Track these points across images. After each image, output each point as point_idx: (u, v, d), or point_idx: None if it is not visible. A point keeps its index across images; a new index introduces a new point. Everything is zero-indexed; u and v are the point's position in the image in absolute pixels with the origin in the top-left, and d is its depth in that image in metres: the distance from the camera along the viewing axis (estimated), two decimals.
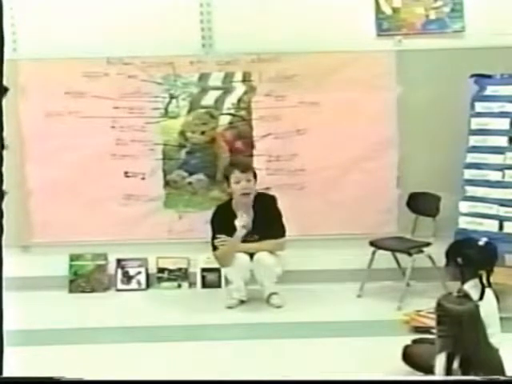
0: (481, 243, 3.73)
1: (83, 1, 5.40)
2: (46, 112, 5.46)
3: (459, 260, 3.56)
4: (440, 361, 3.23)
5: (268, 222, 4.93)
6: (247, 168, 5.04)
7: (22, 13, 5.36)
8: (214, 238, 4.99)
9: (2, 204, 1.90)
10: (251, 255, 4.99)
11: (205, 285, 5.61)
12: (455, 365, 3.17)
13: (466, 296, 3.36)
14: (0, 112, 1.92)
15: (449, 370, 3.17)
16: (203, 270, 5.60)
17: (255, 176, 5.07)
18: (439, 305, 3.31)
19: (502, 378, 2.91)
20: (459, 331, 3.18)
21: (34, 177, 5.53)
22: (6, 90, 1.91)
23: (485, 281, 3.51)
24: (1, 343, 1.99)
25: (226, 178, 5.11)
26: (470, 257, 3.56)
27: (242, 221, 4.94)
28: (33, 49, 5.36)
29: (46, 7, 5.36)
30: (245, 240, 5.00)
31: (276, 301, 5.07)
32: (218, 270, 5.51)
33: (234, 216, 5.02)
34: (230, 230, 4.97)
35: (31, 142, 5.50)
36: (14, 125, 5.42)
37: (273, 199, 5.06)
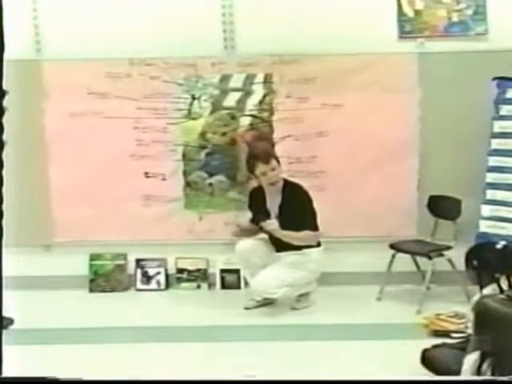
0: (499, 246, 3.70)
1: (107, 2, 5.45)
2: (69, 112, 5.50)
3: (475, 263, 3.53)
4: (470, 359, 3.18)
5: (295, 213, 4.88)
6: (269, 158, 4.92)
7: (46, 14, 5.42)
8: (253, 219, 5.10)
9: (2, 205, 1.92)
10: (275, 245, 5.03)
11: (224, 286, 5.62)
12: (485, 366, 3.13)
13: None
14: (1, 114, 1.93)
15: (479, 370, 3.13)
16: (222, 271, 5.61)
17: (278, 161, 4.99)
18: (481, 304, 3.27)
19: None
20: (502, 333, 3.14)
21: (57, 177, 5.57)
22: (4, 92, 1.92)
23: (505, 286, 3.47)
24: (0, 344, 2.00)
25: (251, 170, 5.05)
26: (487, 260, 3.53)
27: (271, 224, 4.95)
28: (56, 50, 5.41)
29: (70, 8, 5.41)
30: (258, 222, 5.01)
31: (297, 304, 5.07)
32: (237, 272, 5.53)
33: (265, 201, 5.03)
34: (263, 213, 5.00)
35: (54, 142, 5.54)
36: (38, 125, 5.48)
37: (304, 193, 4.97)
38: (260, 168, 4.92)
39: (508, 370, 3.06)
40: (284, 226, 4.92)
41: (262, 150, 5.06)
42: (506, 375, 2.97)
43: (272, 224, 4.93)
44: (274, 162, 4.92)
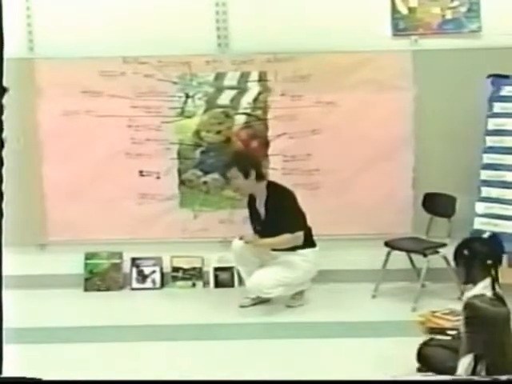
0: (485, 236, 3.72)
1: (99, 0, 5.43)
2: (62, 111, 5.49)
3: (466, 252, 3.53)
4: (465, 362, 3.18)
5: (278, 214, 4.89)
6: (229, 165, 5.03)
7: (39, 12, 5.40)
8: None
9: (2, 204, 1.91)
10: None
11: (218, 284, 5.61)
12: (479, 367, 3.13)
13: (501, 299, 3.33)
14: (0, 112, 1.93)
15: (474, 372, 3.13)
16: (216, 269, 5.61)
17: (247, 170, 4.92)
18: (470, 305, 3.27)
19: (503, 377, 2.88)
20: (492, 333, 3.14)
21: (51, 175, 5.56)
22: (5, 90, 1.92)
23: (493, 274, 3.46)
24: (0, 343, 1.99)
25: None
26: (477, 249, 3.53)
27: (246, 238, 5.01)
28: (49, 48, 5.39)
29: (63, 7, 5.39)
30: (254, 228, 5.06)
31: (292, 302, 5.08)
32: (230, 270, 5.53)
33: (256, 206, 5.07)
34: (255, 213, 5.07)
35: (48, 141, 5.53)
36: (31, 124, 5.47)
37: (285, 192, 4.97)
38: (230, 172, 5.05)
39: (500, 369, 3.07)
40: (270, 226, 4.92)
41: (229, 155, 5.27)
42: (498, 374, 2.97)
43: (247, 239, 4.99)
44: (233, 172, 4.96)
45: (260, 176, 5.01)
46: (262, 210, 5.02)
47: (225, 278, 5.60)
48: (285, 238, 4.87)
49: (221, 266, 5.58)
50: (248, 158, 5.15)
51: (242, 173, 4.93)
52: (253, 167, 4.97)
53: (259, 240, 4.97)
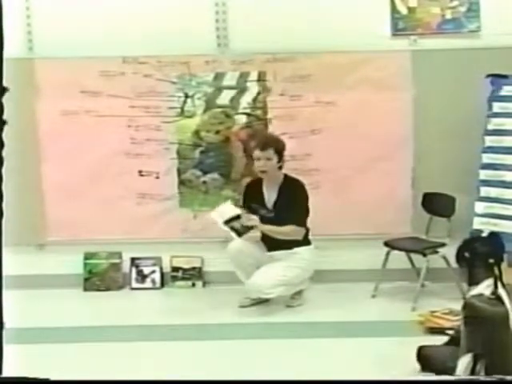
0: (484, 235, 3.72)
1: (99, 0, 5.43)
2: (61, 111, 5.49)
3: (467, 255, 3.53)
4: (464, 361, 3.18)
5: (288, 206, 4.90)
6: (266, 146, 4.93)
7: (39, 12, 5.40)
8: (249, 209, 5.07)
9: (2, 204, 1.90)
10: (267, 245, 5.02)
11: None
12: (479, 367, 3.13)
13: (499, 298, 3.33)
14: (0, 111, 1.92)
15: (473, 372, 3.13)
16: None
17: (280, 154, 4.97)
18: (469, 304, 3.27)
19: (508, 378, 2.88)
20: (491, 332, 3.15)
21: (50, 175, 5.56)
22: (4, 89, 1.92)
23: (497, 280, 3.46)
24: (0, 343, 1.99)
25: (250, 154, 5.15)
26: (478, 249, 3.53)
27: (251, 220, 4.93)
28: (49, 48, 5.39)
29: (62, 6, 5.39)
30: (261, 216, 5.01)
31: (291, 301, 5.08)
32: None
33: (262, 193, 5.05)
34: (256, 202, 5.04)
35: (47, 141, 5.53)
36: (30, 124, 5.46)
37: (301, 187, 5.00)
38: (256, 153, 4.96)
39: (499, 369, 3.07)
40: (276, 218, 4.93)
41: (262, 138, 5.13)
42: (497, 374, 2.97)
43: (253, 220, 4.94)
44: (269, 153, 4.91)
45: (281, 166, 5.03)
46: (272, 198, 5.01)
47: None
48: (289, 229, 4.88)
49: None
50: (284, 145, 5.11)
51: (277, 156, 4.94)
52: (283, 155, 5.02)
53: (263, 225, 4.93)
